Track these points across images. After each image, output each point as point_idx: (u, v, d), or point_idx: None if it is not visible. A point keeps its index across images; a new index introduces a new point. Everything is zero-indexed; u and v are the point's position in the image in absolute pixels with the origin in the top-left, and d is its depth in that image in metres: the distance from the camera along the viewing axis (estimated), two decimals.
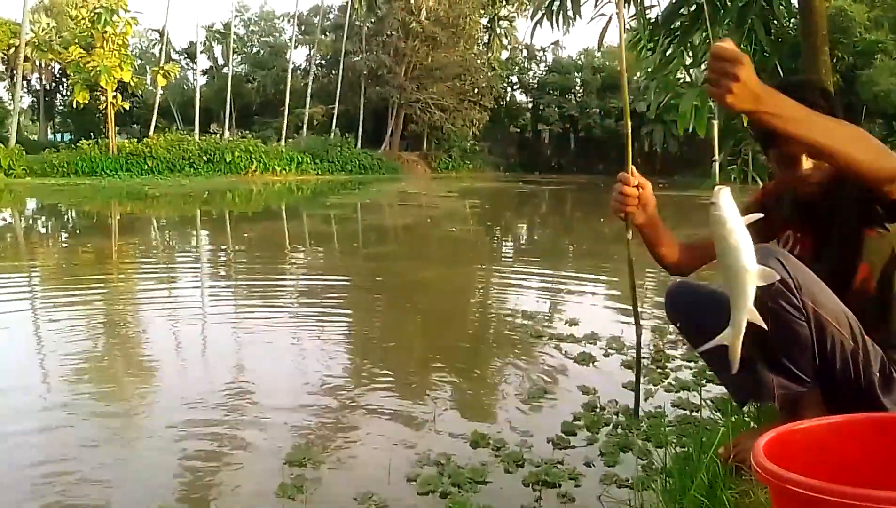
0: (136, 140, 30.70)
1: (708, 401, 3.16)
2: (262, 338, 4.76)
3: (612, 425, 3.09)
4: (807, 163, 1.74)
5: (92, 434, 3.05)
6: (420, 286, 6.67)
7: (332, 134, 34.89)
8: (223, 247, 9.87)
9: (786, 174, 1.81)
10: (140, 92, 33.96)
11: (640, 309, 1.78)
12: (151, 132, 31.47)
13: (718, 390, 3.29)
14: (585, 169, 37.02)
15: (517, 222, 15.53)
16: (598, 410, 3.26)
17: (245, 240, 10.53)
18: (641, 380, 3.54)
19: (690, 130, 3.51)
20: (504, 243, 11.69)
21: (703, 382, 3.48)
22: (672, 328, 2.17)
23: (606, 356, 4.06)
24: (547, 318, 5.27)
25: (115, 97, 28.81)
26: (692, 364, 3.72)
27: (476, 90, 37.87)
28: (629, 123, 2.03)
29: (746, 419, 2.40)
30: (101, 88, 28.12)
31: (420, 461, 2.76)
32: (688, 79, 3.94)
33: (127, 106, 30.76)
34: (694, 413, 3.07)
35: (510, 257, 9.93)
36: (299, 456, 2.80)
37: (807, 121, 1.36)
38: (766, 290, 1.57)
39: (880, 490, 0.95)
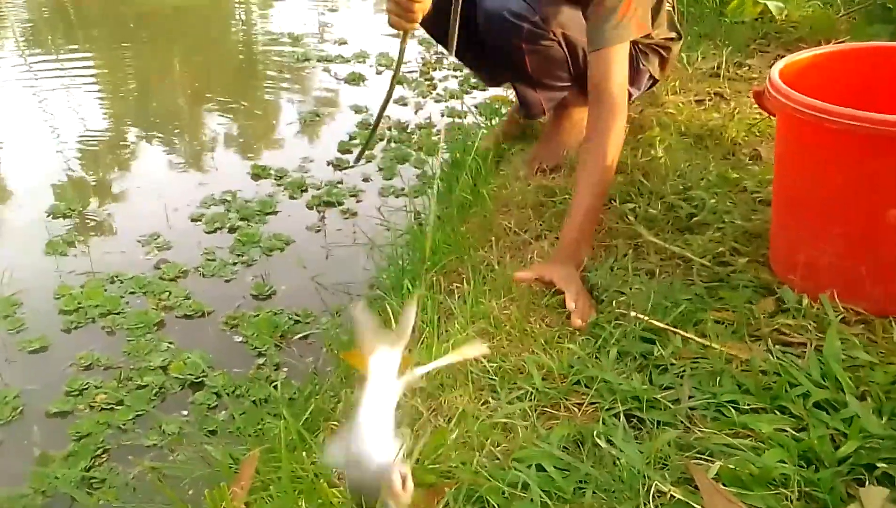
0: None
1: (472, 107, 3.36)
2: None
3: (386, 140, 3.22)
4: None
5: None
6: (161, 17, 5.97)
7: None
8: None
9: None
10: None
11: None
12: None
13: (482, 95, 3.50)
14: None
15: None
16: (371, 127, 3.35)
17: None
18: (412, 93, 3.67)
19: None
20: None
21: (469, 89, 3.66)
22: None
23: (378, 73, 4.07)
24: (314, 39, 5.06)
25: None
26: (458, 73, 3.86)
27: None
28: None
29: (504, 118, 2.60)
30: None
31: (204, 201, 2.74)
32: None
33: None
34: (459, 120, 3.27)
35: None
36: (62, 207, 2.67)
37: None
38: (520, 35, 1.81)
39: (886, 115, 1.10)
